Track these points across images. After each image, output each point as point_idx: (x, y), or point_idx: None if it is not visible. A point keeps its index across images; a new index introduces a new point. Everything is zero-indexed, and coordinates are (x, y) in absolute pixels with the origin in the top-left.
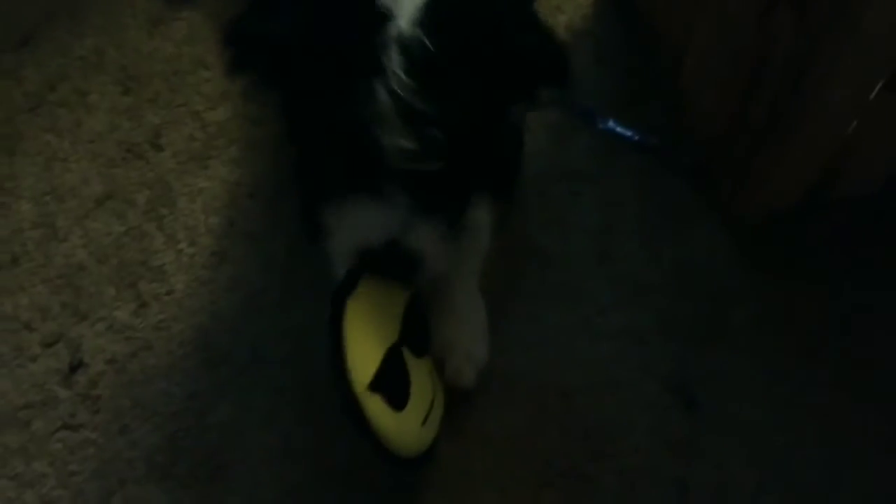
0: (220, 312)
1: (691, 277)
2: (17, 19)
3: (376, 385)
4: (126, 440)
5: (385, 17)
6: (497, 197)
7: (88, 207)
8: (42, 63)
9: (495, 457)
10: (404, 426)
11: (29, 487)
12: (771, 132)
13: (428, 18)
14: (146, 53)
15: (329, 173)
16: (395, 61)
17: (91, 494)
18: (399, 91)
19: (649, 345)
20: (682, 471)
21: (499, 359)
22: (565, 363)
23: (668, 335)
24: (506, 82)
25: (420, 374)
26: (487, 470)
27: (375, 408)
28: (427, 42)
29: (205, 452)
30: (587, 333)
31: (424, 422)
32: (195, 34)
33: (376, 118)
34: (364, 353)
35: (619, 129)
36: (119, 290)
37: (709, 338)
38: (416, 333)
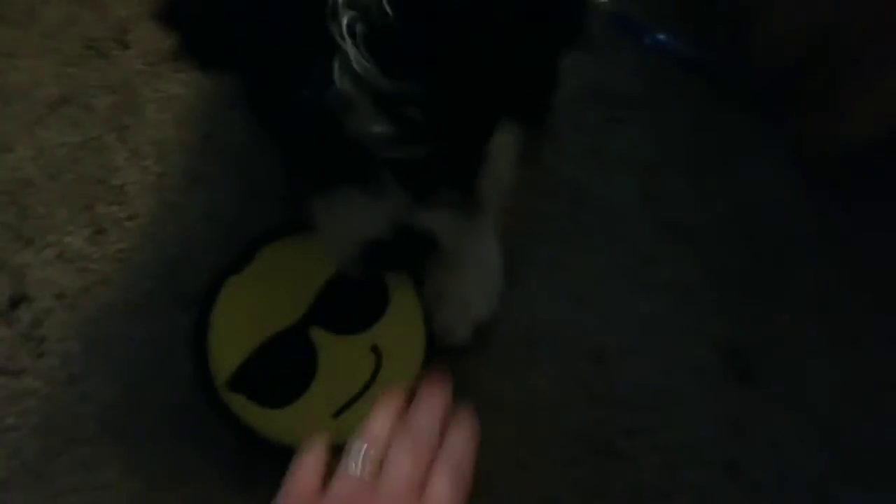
0: (191, 243)
1: (750, 224)
2: None
3: (236, 383)
4: (75, 392)
5: None
6: (523, 121)
7: (39, 113)
8: None
9: (516, 428)
10: (291, 422)
11: None
12: (856, 63)
13: None
14: None
15: (308, 164)
16: (349, 33)
17: (30, 454)
18: (359, 70)
19: (699, 302)
20: (734, 451)
21: (521, 313)
22: (599, 320)
23: (722, 291)
24: (494, 50)
25: (342, 355)
26: (506, 442)
27: (239, 405)
28: (387, 7)
29: (168, 410)
30: (626, 286)
31: (343, 410)
32: None
33: (338, 103)
34: (232, 341)
35: (669, 45)
36: (72, 212)
37: (769, 296)
38: (341, 306)
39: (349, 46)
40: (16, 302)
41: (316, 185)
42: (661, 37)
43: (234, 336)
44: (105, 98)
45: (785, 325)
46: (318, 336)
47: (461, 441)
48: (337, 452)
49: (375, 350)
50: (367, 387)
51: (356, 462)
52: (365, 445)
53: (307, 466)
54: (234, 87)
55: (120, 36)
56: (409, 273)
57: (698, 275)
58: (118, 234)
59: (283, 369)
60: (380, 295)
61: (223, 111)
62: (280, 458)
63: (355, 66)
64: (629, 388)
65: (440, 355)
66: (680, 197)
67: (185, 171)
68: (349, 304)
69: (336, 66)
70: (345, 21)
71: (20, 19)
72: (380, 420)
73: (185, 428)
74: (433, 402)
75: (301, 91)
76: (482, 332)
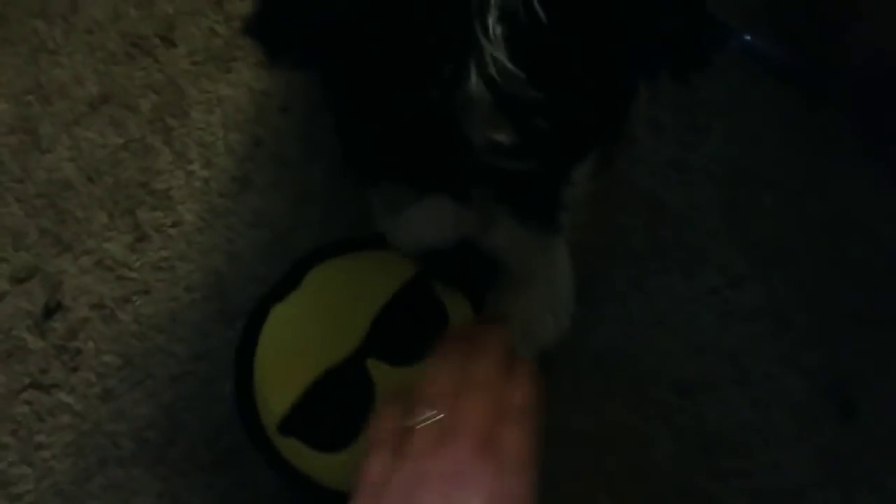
0: (238, 253)
1: (847, 244)
2: None
3: (289, 426)
4: (110, 409)
5: None
6: (603, 136)
7: (80, 112)
8: None
9: (591, 461)
10: (350, 466)
11: None
12: None
13: None
14: None
15: (387, 169)
16: (493, 36)
17: (62, 475)
18: (497, 76)
19: (793, 329)
20: (837, 497)
21: (594, 339)
22: (682, 348)
23: (819, 318)
24: (637, 64)
25: (400, 387)
26: (579, 478)
27: (292, 451)
28: (539, 9)
29: (209, 431)
30: (712, 310)
31: None
32: None
33: (463, 108)
34: (281, 379)
35: (757, 48)
36: (113, 216)
37: (871, 323)
38: (398, 334)
39: (495, 47)
40: (50, 310)
41: (387, 187)
42: (749, 39)
43: (283, 373)
44: (149, 98)
45: (891, 356)
46: (375, 368)
47: (525, 392)
48: None
49: None
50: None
51: (424, 419)
52: (431, 403)
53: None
54: (321, 81)
55: (166, 33)
56: (467, 295)
57: (791, 299)
58: (161, 241)
59: (339, 408)
60: (438, 320)
61: (274, 114)
62: None
63: (492, 69)
64: (717, 425)
65: None
66: (770, 213)
67: (232, 177)
68: (406, 331)
69: (473, 66)
70: (492, 20)
71: (62, 14)
72: (441, 374)
73: (226, 459)
74: (493, 352)
75: (427, 91)
76: (550, 357)
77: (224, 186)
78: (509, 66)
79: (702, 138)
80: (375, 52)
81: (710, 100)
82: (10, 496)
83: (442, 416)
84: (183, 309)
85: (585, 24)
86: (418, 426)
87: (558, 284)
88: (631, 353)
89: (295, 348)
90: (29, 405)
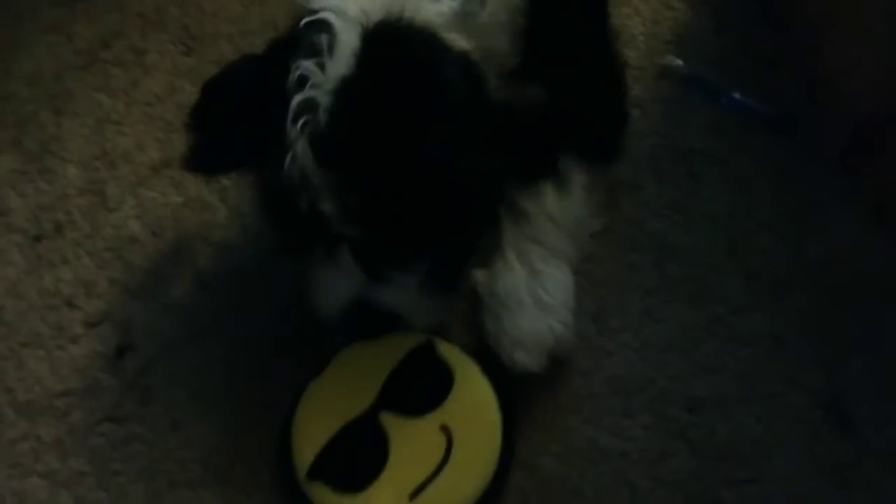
0: (289, 295)
1: (837, 275)
2: None
3: (316, 471)
4: (179, 437)
5: (302, 83)
6: (591, 157)
7: (143, 175)
8: (96, 18)
9: (615, 475)
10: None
11: (64, 488)
12: None
13: (340, 93)
14: (210, 12)
15: (286, 239)
16: (301, 132)
17: (136, 498)
18: (301, 160)
19: (793, 352)
20: (838, 500)
21: (611, 361)
22: (692, 370)
23: (816, 340)
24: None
25: (413, 437)
26: (600, 493)
27: (318, 494)
28: (322, 115)
29: (268, 454)
30: (717, 336)
31: (418, 492)
32: None
33: (291, 183)
34: (311, 436)
35: (746, 104)
36: (175, 267)
37: (863, 345)
38: (408, 389)
39: (296, 142)
40: (122, 351)
41: (295, 260)
42: (737, 96)
43: (311, 430)
44: None
45: (883, 374)
46: (388, 420)
47: None
48: None
49: (445, 429)
50: (440, 467)
51: None
52: None
53: None
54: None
55: None
56: (470, 353)
57: (790, 325)
58: (220, 286)
59: (356, 456)
60: (445, 375)
61: None
62: None
63: (300, 157)
64: (728, 438)
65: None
66: (766, 249)
67: None
68: (415, 386)
69: (289, 156)
70: (298, 124)
71: (124, 88)
72: None
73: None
74: None
75: (264, 171)
76: (571, 379)
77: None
78: (306, 153)
79: (700, 184)
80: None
81: (705, 149)
82: None
83: None
84: (241, 347)
85: (351, 124)
86: None
87: (549, 295)
88: (646, 376)
89: (321, 409)
90: (104, 437)
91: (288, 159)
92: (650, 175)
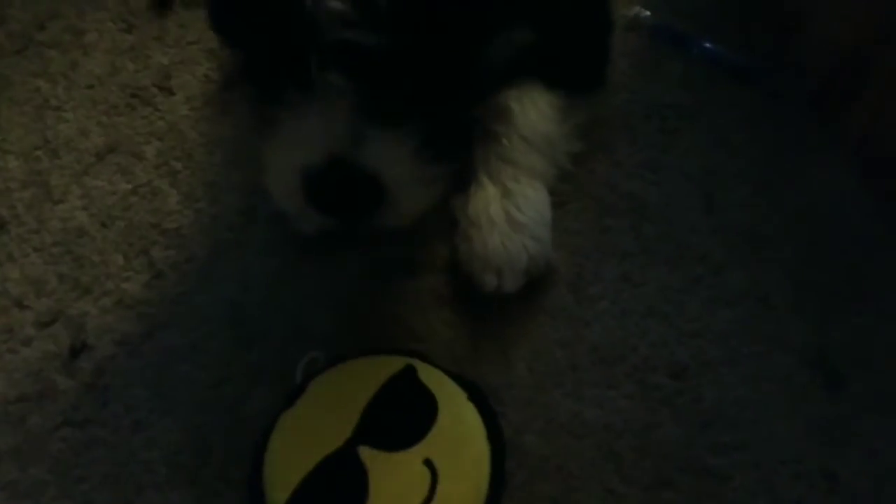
0: (251, 282)
1: (819, 227)
2: None
3: None
4: (142, 438)
5: None
6: (573, 86)
7: (88, 162)
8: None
9: (600, 452)
10: None
11: (26, 498)
12: None
13: None
14: None
15: (261, 68)
16: None
17: None
18: None
19: (777, 309)
20: (831, 461)
21: (590, 330)
22: (674, 335)
23: (800, 296)
24: None
25: (395, 473)
26: (591, 467)
27: None
28: None
29: (238, 451)
30: (699, 298)
31: None
32: None
33: None
34: (284, 472)
35: (716, 53)
36: (128, 258)
37: (848, 298)
38: (388, 422)
39: None
40: (76, 351)
41: (267, 98)
42: (708, 45)
43: (285, 465)
44: (153, 144)
45: (870, 328)
46: (367, 455)
47: None
48: None
49: (429, 464)
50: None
51: None
52: None
53: None
54: None
55: (163, 83)
56: (459, 382)
57: (773, 281)
58: (176, 277)
59: (333, 495)
60: (428, 403)
61: None
62: None
63: None
64: (714, 403)
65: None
66: (744, 204)
67: (240, 211)
68: (396, 418)
69: None
70: None
71: (63, 71)
72: None
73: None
74: None
75: None
76: (552, 351)
77: (232, 220)
78: None
79: (673, 140)
80: None
81: (676, 104)
82: None
83: None
84: (202, 339)
85: None
86: None
87: (521, 213)
88: (627, 344)
89: (296, 443)
90: (64, 442)
91: None
92: (622, 132)
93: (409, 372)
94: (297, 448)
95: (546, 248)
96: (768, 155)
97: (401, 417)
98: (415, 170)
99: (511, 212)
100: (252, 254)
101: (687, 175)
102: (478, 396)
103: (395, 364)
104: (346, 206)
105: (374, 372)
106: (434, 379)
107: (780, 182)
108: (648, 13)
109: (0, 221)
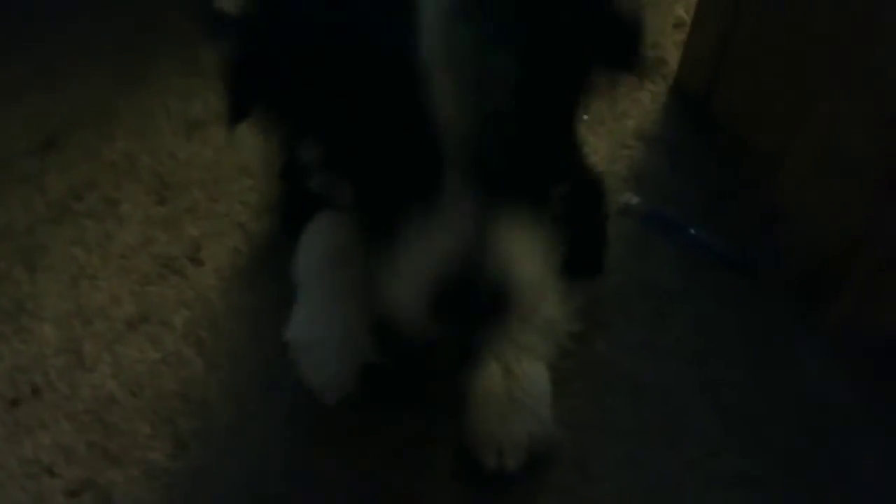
0: (273, 451)
1: (806, 409)
2: (40, 120)
3: None
4: None
5: None
6: (575, 270)
7: (119, 331)
8: (67, 168)
9: None
10: None
11: None
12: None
13: None
14: (183, 160)
15: (375, 180)
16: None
17: None
18: (446, 30)
19: (769, 493)
20: None
21: None
22: None
23: (790, 481)
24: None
25: None
26: None
27: None
28: None
29: None
30: (696, 480)
31: None
32: (235, 140)
33: (420, 57)
34: None
35: (704, 240)
36: (154, 426)
37: (837, 479)
38: None
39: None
40: None
41: (381, 218)
42: (693, 232)
43: None
44: (181, 314)
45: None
46: None
47: None
48: None
49: None
50: None
51: None
52: None
53: None
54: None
55: (193, 254)
56: None
57: (765, 464)
58: (199, 446)
59: None
60: None
61: None
62: None
63: (437, 29)
64: None
65: None
66: (737, 386)
67: (262, 381)
68: None
69: (422, 19)
70: None
71: (97, 241)
72: None
73: None
74: None
75: (382, 36)
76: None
77: (254, 390)
78: (455, 18)
79: (666, 321)
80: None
81: (670, 285)
82: None
83: None
84: None
85: None
86: None
87: (524, 393)
88: None
89: None
90: None
91: (422, 23)
92: (618, 312)
93: None
94: None
95: (547, 425)
96: (757, 338)
97: None
98: (542, 263)
99: (512, 391)
100: (274, 422)
101: (681, 355)
102: None
103: None
104: (474, 315)
105: None
106: None
107: (770, 364)
108: (638, 199)
109: (34, 388)
